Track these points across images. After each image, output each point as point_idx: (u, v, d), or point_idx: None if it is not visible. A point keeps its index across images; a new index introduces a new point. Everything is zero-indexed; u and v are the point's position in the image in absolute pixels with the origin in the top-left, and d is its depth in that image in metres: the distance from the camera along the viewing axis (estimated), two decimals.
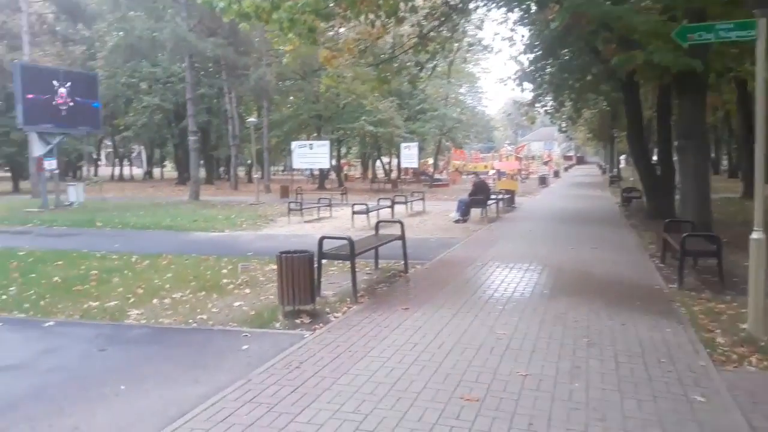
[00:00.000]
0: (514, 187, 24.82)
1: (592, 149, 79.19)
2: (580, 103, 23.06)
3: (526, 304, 6.75)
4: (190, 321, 6.36)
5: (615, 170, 43.84)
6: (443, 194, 29.22)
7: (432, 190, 31.83)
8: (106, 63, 36.77)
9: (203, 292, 7.72)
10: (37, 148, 21.24)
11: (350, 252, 7.01)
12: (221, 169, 52.41)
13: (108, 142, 61.43)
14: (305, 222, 17.17)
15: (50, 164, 21.30)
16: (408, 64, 17.50)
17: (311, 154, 26.63)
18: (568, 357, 4.90)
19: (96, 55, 38.69)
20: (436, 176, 40.81)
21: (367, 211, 15.27)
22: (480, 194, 16.69)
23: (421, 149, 37.89)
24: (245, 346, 5.33)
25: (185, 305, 7.06)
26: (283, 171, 39.24)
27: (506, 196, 20.06)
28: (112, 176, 58.99)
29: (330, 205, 19.20)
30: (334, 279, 8.44)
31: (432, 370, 4.63)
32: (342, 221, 16.81)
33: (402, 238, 8.84)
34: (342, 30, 16.98)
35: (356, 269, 9.00)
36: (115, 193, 33.37)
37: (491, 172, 35.87)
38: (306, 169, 45.85)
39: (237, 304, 7.07)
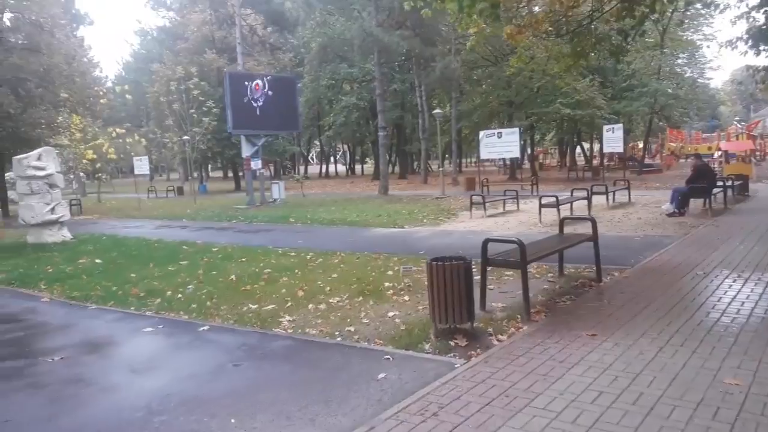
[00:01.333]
0: (747, 171, 20.55)
1: None
2: None
3: None
4: (336, 333, 5.67)
5: None
6: (655, 182, 25.56)
7: (641, 178, 28.14)
8: (310, 67, 39.31)
9: (361, 298, 7.05)
10: (245, 150, 23.17)
11: (521, 258, 5.71)
12: (415, 163, 53.26)
13: (316, 142, 66.46)
14: (488, 216, 15.93)
15: (256, 164, 23.09)
16: (610, 33, 15.18)
17: (500, 143, 25.06)
18: None
19: (303, 60, 41.67)
20: (647, 161, 36.16)
21: (557, 204, 13.51)
22: (702, 181, 13.76)
23: (627, 131, 33.89)
24: (382, 375, 4.43)
25: (338, 313, 6.44)
26: (475, 162, 38.12)
27: (737, 183, 16.51)
28: (320, 173, 63.75)
29: (517, 198, 17.68)
30: (508, 286, 7.19)
31: None
32: (529, 215, 15.23)
33: (594, 239, 7.21)
34: (526, 5, 15.31)
35: (535, 276, 7.73)
36: (317, 190, 35.59)
37: (716, 154, 30.50)
38: (498, 159, 44.25)
39: (391, 314, 6.23)
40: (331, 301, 7.00)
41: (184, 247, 12.84)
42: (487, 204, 17.09)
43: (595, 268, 7.28)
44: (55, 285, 9.28)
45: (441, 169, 25.68)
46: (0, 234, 15.35)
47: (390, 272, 8.53)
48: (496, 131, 25.70)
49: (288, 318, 6.37)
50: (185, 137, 32.63)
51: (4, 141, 22.88)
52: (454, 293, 5.03)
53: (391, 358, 4.78)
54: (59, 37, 25.65)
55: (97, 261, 11.40)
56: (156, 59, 44.72)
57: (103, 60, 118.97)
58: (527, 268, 5.86)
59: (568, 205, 14.75)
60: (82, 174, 43.42)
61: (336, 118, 41.09)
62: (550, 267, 8.09)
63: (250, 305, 7.06)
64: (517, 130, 24.64)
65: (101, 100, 34.98)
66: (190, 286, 8.44)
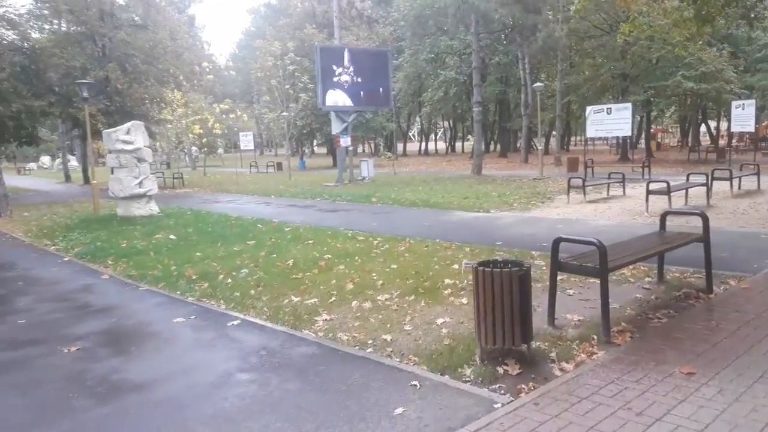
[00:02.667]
0: None
1: None
2: None
3: None
4: (370, 342, 4.84)
5: None
6: None
7: None
8: (409, 41, 38.28)
9: (413, 296, 6.16)
10: (335, 126, 22.78)
11: (600, 265, 4.54)
12: (519, 141, 50.80)
13: (418, 119, 65.48)
14: (587, 202, 14.33)
15: (345, 141, 22.63)
16: None
17: (609, 120, 22.89)
18: None
19: (404, 35, 40.67)
20: None
21: (668, 191, 11.70)
22: None
23: (761, 109, 29.80)
24: (399, 410, 3.54)
25: (381, 314, 5.60)
26: (585, 142, 35.48)
27: None
28: (419, 151, 62.83)
29: (623, 181, 15.80)
30: (592, 292, 5.98)
31: None
32: (635, 202, 13.46)
33: (704, 239, 5.79)
34: None
35: (628, 280, 6.43)
36: (411, 168, 34.77)
37: None
38: (611, 138, 40.96)
39: (440, 321, 5.30)
40: (378, 298, 6.18)
41: (259, 225, 12.58)
42: (589, 188, 15.51)
43: (704, 275, 5.87)
44: (122, 261, 9.23)
45: (540, 147, 23.85)
46: (97, 206, 16.00)
47: (456, 266, 7.55)
48: (605, 107, 23.52)
49: (325, 317, 5.63)
50: (284, 113, 32.96)
51: (113, 115, 24.09)
52: (504, 308, 4.01)
53: (418, 385, 3.87)
54: (166, 15, 26.58)
55: (171, 237, 11.37)
56: (262, 36, 45.71)
57: (220, 39, 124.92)
58: (608, 276, 4.66)
59: (683, 192, 12.84)
60: (194, 148, 45.67)
61: (434, 93, 39.81)
62: (649, 269, 6.75)
63: (293, 297, 6.41)
64: (628, 105, 22.30)
65: (208, 76, 36.23)
66: (244, 270, 7.98)
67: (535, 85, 22.44)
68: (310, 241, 10.14)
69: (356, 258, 8.42)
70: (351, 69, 22.39)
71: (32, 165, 55.31)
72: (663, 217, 6.22)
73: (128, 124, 14.63)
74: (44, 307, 6.76)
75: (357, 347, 4.75)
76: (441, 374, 4.07)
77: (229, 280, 7.47)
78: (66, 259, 9.88)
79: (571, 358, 4.24)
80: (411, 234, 10.43)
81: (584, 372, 3.97)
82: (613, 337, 4.62)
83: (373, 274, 7.27)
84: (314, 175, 31.04)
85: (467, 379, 3.98)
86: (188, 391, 4.06)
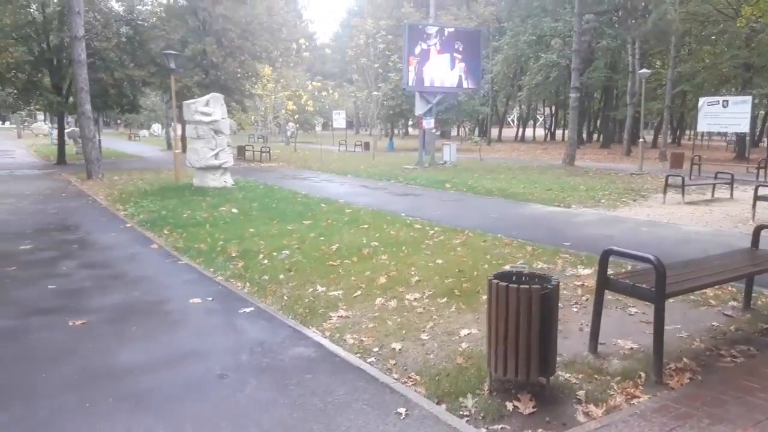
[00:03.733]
0: None
1: None
2: None
3: None
4: (375, 350, 4.27)
5: None
6: None
7: None
8: (510, 22, 36.59)
9: (445, 299, 5.50)
10: (419, 107, 22.08)
11: (655, 287, 3.66)
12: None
13: (520, 104, 62.94)
14: (686, 204, 12.78)
15: (428, 123, 21.90)
16: None
17: (724, 114, 20.49)
18: None
19: (504, 15, 39.02)
20: None
21: None
22: None
23: None
24: None
25: (402, 316, 5.01)
26: (695, 136, 32.40)
27: None
28: (516, 137, 60.53)
29: (731, 183, 13.99)
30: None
31: None
32: (741, 208, 11.82)
33: None
34: None
35: (709, 302, 5.39)
36: (501, 154, 33.40)
37: None
38: (730, 134, 37.14)
39: (465, 332, 4.62)
40: (407, 296, 5.57)
41: (322, 205, 12.29)
42: (692, 188, 13.97)
43: None
44: (177, 231, 9.23)
45: (641, 140, 21.83)
46: (179, 174, 16.47)
47: (508, 266, 6.77)
48: (720, 99, 21.11)
49: (342, 313, 5.12)
50: (374, 93, 32.65)
51: (208, 88, 24.79)
52: (519, 332, 3.29)
53: (404, 414, 3.26)
54: None
55: (234, 211, 11.33)
56: (362, 15, 45.55)
57: (325, 17, 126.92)
58: (665, 302, 3.77)
59: None
60: (291, 124, 46.68)
61: (533, 77, 37.85)
62: (737, 290, 5.65)
63: (319, 287, 5.95)
64: (747, 99, 19.82)
65: (304, 53, 36.61)
66: (285, 252, 7.65)
67: (641, 71, 20.43)
68: (365, 226, 9.67)
69: (403, 248, 7.83)
70: (439, 49, 21.52)
71: (144, 132, 59.07)
72: (757, 232, 5.10)
73: (208, 96, 14.82)
74: (82, 273, 6.77)
75: (359, 354, 4.19)
76: (438, 402, 3.43)
77: (266, 261, 7.16)
78: (128, 225, 10.05)
79: (604, 400, 3.44)
80: (474, 225, 9.68)
81: (615, 422, 3.17)
82: (666, 376, 3.75)
83: (413, 269, 6.66)
84: (399, 157, 30.55)
85: (466, 413, 3.31)
86: (157, 388, 3.69)
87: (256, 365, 4.02)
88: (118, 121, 63.75)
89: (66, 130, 27.59)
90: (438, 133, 23.23)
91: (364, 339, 4.48)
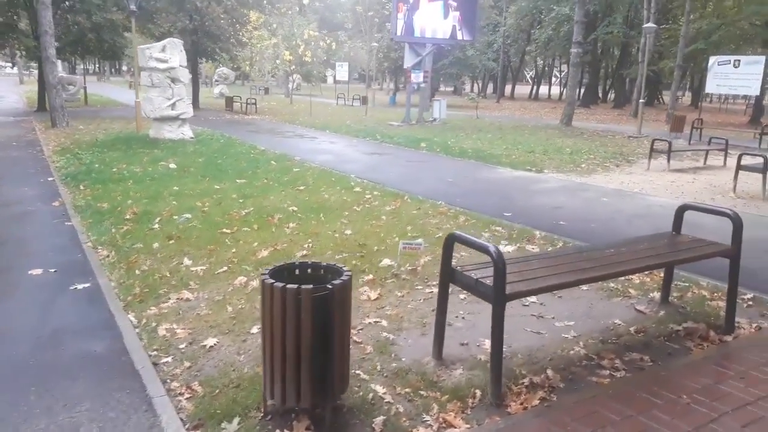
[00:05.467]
0: None
1: None
2: None
3: None
4: (180, 347, 3.52)
5: None
6: None
7: None
8: None
9: None
10: (408, 59, 20.83)
11: (494, 284, 2.82)
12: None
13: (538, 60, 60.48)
14: (671, 171, 11.76)
15: (416, 77, 20.67)
16: None
17: (735, 75, 19.03)
18: None
19: None
20: None
21: (764, 168, 9.03)
22: None
23: None
24: None
25: (249, 302, 4.24)
26: (701, 98, 30.67)
27: None
28: (530, 95, 58.41)
29: (725, 150, 12.88)
30: (567, 305, 4.22)
31: None
32: (728, 177, 10.73)
33: (731, 254, 3.77)
34: None
35: (629, 293, 4.55)
36: (502, 113, 32.01)
37: None
38: (750, 97, 35.11)
39: None
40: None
41: (272, 162, 11.46)
42: (687, 153, 13.05)
43: (725, 304, 3.89)
44: (93, 188, 8.51)
45: (642, 101, 20.46)
46: (140, 125, 15.67)
47: (425, 242, 5.94)
48: (732, 58, 19.61)
49: (185, 295, 4.37)
50: (374, 44, 31.23)
51: (192, 35, 23.71)
52: (286, 346, 2.50)
53: None
54: None
55: (171, 166, 10.56)
56: None
57: None
58: (504, 304, 2.94)
59: None
60: (297, 76, 45.28)
61: (542, 32, 35.94)
62: (651, 280, 4.82)
63: (186, 260, 5.20)
64: (761, 59, 18.30)
65: (304, 1, 35.05)
66: (186, 215, 6.88)
67: (646, 25, 18.86)
68: (301, 187, 8.86)
69: (321, 215, 7.02)
70: None
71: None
72: (680, 212, 4.17)
73: (165, 41, 13.85)
74: None
75: (155, 352, 3.44)
76: (195, 427, 2.68)
77: (157, 226, 6.40)
78: (50, 179, 9.34)
79: (408, 430, 2.66)
80: (421, 191, 8.83)
81: None
82: (512, 395, 2.96)
83: (311, 240, 5.86)
84: (395, 113, 29.33)
85: None
86: None
87: (22, 361, 3.30)
88: (124, 69, 62.68)
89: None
90: (423, 86, 21.86)
91: (179, 331, 3.73)
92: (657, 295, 4.50)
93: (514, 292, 2.87)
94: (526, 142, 16.47)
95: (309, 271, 2.73)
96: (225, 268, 4.98)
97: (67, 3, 22.51)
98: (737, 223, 3.69)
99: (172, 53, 13.64)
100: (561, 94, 59.85)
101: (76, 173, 9.61)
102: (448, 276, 3.19)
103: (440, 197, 8.36)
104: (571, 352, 3.54)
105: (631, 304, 4.39)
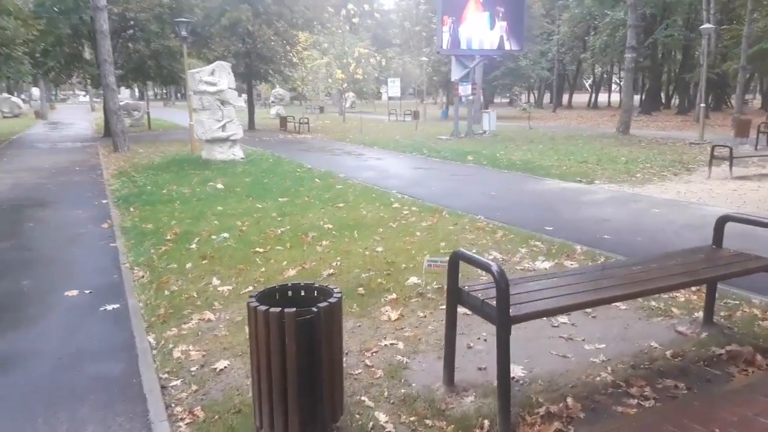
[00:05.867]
0: None
1: None
2: None
3: None
4: (192, 370, 3.51)
5: None
6: None
7: None
8: None
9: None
10: (455, 72, 20.68)
11: (498, 306, 2.65)
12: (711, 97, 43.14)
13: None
14: (734, 179, 11.05)
15: (464, 89, 20.47)
16: None
17: None
18: None
19: None
20: None
21: None
22: None
23: None
24: None
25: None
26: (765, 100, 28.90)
27: None
28: (588, 103, 56.86)
29: None
30: (595, 326, 3.98)
31: None
32: None
33: None
34: None
35: (671, 312, 4.23)
36: (556, 122, 31.28)
37: None
38: None
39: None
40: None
41: (317, 180, 11.54)
42: (753, 160, 12.38)
43: None
44: (142, 209, 8.81)
45: (703, 105, 19.45)
46: (194, 146, 16.21)
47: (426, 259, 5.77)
48: None
49: (207, 315, 4.38)
50: (423, 59, 31.28)
51: (245, 58, 24.45)
52: (272, 372, 2.42)
53: None
54: None
55: (219, 186, 10.81)
56: None
57: None
58: (509, 327, 2.76)
59: None
60: (351, 94, 45.85)
61: (597, 38, 34.95)
62: (694, 297, 4.46)
63: (215, 280, 5.24)
64: None
65: (354, 19, 35.59)
66: (224, 235, 6.99)
67: (703, 26, 17.93)
68: (341, 205, 8.86)
69: (355, 232, 6.97)
70: (477, 7, 19.89)
71: None
72: (720, 224, 3.85)
73: (213, 65, 14.30)
74: (3, 255, 6.42)
75: (166, 375, 3.44)
76: None
77: (194, 246, 6.53)
78: (104, 201, 9.75)
79: None
80: (463, 205, 8.67)
81: None
82: (525, 425, 2.76)
83: (340, 258, 5.81)
84: (444, 127, 29.20)
85: None
86: None
87: (39, 382, 3.37)
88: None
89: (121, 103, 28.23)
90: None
91: (193, 353, 3.73)
92: (701, 314, 4.15)
93: (521, 314, 2.69)
94: (578, 152, 15.94)
95: (302, 293, 2.65)
96: (250, 288, 4.98)
97: (128, 32, 23.72)
98: None
99: (221, 76, 14.05)
100: (620, 101, 57.90)
101: (128, 195, 9.98)
102: (455, 297, 3.04)
103: (480, 211, 8.16)
104: (597, 378, 3.30)
105: (671, 324, 4.07)
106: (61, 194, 10.63)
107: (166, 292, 4.97)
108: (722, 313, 4.18)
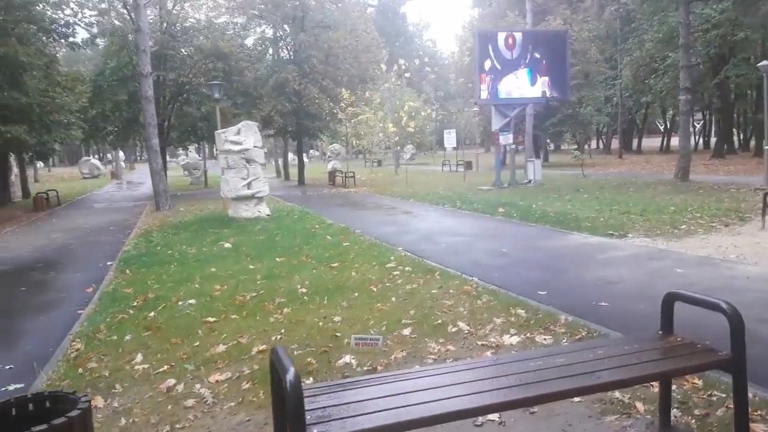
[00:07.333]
0: None
1: None
2: None
3: None
4: None
5: None
6: None
7: None
8: (636, 22, 32.77)
9: (252, 383, 4.09)
10: (495, 122, 20.08)
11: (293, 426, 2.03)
12: None
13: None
14: None
15: (505, 138, 19.78)
16: None
17: None
18: None
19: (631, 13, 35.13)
20: None
21: None
22: None
23: None
24: None
25: (159, 412, 3.71)
26: None
27: None
28: (661, 147, 54.25)
29: None
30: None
31: None
32: None
33: (733, 362, 2.59)
34: None
35: (626, 411, 3.39)
36: (620, 168, 29.76)
37: None
38: None
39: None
40: (210, 378, 4.25)
41: (328, 237, 11.16)
42: None
43: None
44: (138, 271, 8.69)
45: (767, 147, 17.75)
46: (226, 204, 16.37)
47: (414, 332, 5.11)
48: None
49: (111, 403, 3.95)
50: (474, 109, 30.95)
51: (291, 116, 24.98)
52: None
53: None
54: (346, 11, 26.63)
55: (227, 246, 10.62)
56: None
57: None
58: None
59: None
60: (410, 146, 46.15)
61: (657, 81, 33.39)
62: (691, 388, 3.56)
63: (139, 356, 4.84)
64: None
65: (406, 74, 35.96)
66: (190, 300, 6.64)
67: (761, 63, 16.54)
68: (335, 265, 8.37)
69: (326, 298, 6.43)
70: (516, 56, 19.38)
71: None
72: (668, 304, 3.03)
73: (240, 125, 14.50)
74: None
75: None
76: None
77: (152, 314, 6.20)
78: (108, 264, 9.75)
79: None
80: (460, 264, 8.00)
81: None
82: None
83: (282, 331, 5.28)
84: (493, 176, 28.43)
85: None
86: None
87: None
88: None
89: (182, 163, 29.56)
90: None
91: None
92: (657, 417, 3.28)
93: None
94: (624, 202, 14.78)
95: (48, 404, 2.15)
96: (166, 367, 4.53)
97: (183, 96, 24.91)
98: (734, 321, 2.54)
99: (247, 135, 14.19)
100: (696, 144, 54.79)
101: (134, 257, 9.95)
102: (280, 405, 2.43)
103: (478, 271, 7.44)
104: None
105: (623, 427, 3.23)
106: (76, 256, 10.81)
107: (80, 371, 4.60)
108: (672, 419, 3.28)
